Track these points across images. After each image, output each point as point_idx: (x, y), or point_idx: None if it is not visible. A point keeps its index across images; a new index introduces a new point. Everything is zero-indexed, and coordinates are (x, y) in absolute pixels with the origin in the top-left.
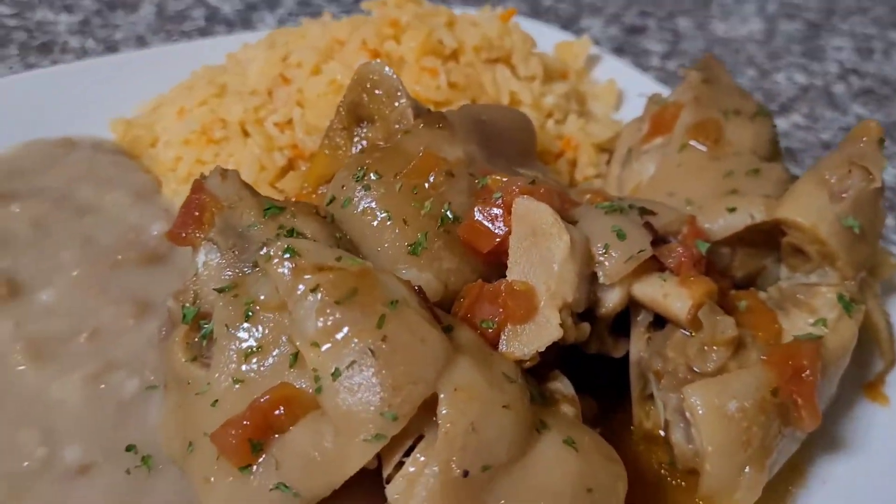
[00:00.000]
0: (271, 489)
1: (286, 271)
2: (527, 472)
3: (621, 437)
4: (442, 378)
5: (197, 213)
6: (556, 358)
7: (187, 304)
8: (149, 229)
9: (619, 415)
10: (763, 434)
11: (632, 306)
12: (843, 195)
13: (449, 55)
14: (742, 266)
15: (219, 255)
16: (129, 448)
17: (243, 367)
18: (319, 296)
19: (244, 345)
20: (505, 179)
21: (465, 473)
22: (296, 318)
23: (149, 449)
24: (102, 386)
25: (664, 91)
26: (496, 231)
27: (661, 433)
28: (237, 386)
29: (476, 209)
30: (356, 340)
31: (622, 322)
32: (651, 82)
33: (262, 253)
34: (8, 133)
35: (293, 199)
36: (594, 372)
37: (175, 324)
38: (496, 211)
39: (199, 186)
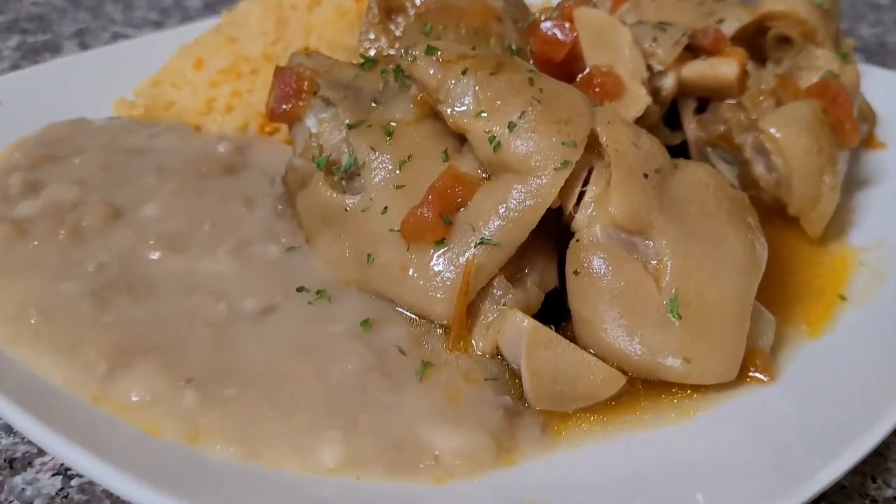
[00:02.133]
0: (476, 245)
1: (434, 67)
2: (685, 175)
3: None
4: (596, 115)
5: (295, 86)
6: None
7: (316, 156)
8: (215, 149)
9: None
10: (828, 141)
11: (678, 97)
12: None
13: None
14: None
15: (331, 110)
16: (299, 289)
17: (400, 174)
18: (472, 75)
19: (394, 158)
20: (550, 10)
21: (646, 175)
22: (453, 101)
23: (317, 286)
24: (246, 254)
25: None
26: (564, 38)
27: None
28: (400, 190)
29: (542, 25)
30: (518, 97)
31: (671, 120)
32: None
33: (406, 57)
34: (20, 124)
35: None
36: None
37: (303, 182)
38: (562, 23)
39: (285, 68)
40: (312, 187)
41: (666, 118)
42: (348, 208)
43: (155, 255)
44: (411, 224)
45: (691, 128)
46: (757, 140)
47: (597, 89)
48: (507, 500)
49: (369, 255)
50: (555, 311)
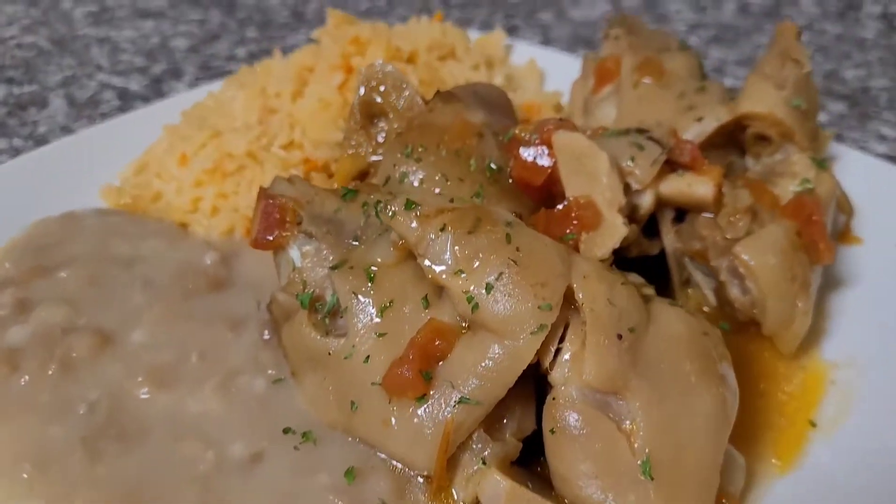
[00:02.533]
0: (455, 404)
1: (413, 221)
2: (659, 329)
3: None
4: (571, 271)
5: (278, 216)
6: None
7: (299, 293)
8: (201, 261)
9: None
10: (801, 268)
11: (657, 209)
12: (785, 84)
13: (408, 59)
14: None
15: (313, 243)
16: (286, 431)
17: (380, 321)
18: (451, 232)
19: (376, 303)
20: (531, 127)
21: (620, 337)
22: (432, 257)
23: (303, 427)
24: (233, 390)
25: (571, 59)
26: (544, 164)
27: (706, 309)
28: (382, 339)
29: (521, 150)
30: (495, 257)
31: (649, 228)
32: (559, 54)
33: (387, 212)
34: (9, 222)
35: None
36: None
37: (287, 315)
38: (538, 149)
39: (267, 195)
40: (297, 325)
41: (645, 227)
42: (331, 352)
43: (144, 394)
44: (392, 381)
45: (669, 238)
46: (732, 264)
47: (575, 221)
48: None
49: (353, 403)
50: (535, 445)
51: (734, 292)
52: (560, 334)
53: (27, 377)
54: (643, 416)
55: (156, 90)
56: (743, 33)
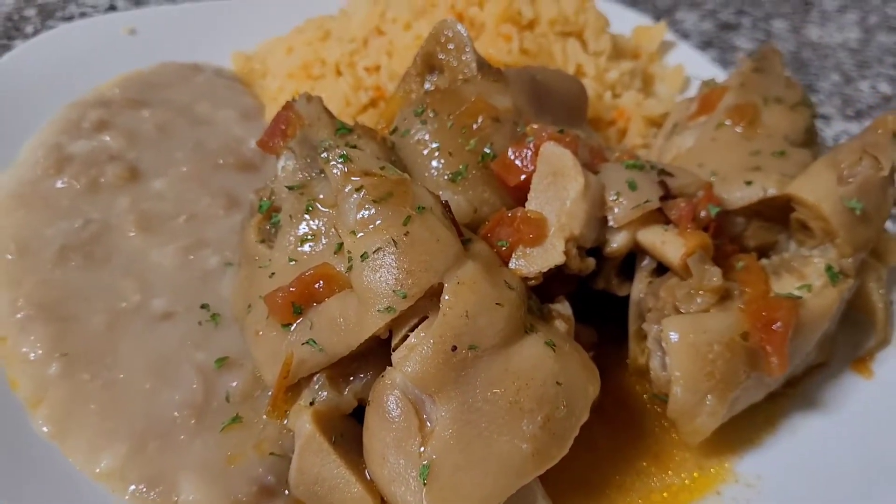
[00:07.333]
0: (303, 343)
1: (338, 172)
2: (507, 358)
3: (616, 369)
4: (449, 272)
5: (283, 127)
6: (567, 289)
7: (264, 198)
8: (248, 142)
9: (619, 351)
10: (728, 370)
11: (638, 252)
12: (851, 179)
13: (525, 25)
14: (754, 237)
15: (294, 161)
16: (203, 306)
17: (298, 249)
18: (362, 194)
19: (301, 231)
20: (537, 126)
21: (454, 348)
22: (341, 210)
23: (219, 309)
24: (191, 257)
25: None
26: (524, 168)
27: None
28: (291, 263)
29: (510, 149)
30: (384, 232)
31: (630, 269)
32: (719, 71)
33: (322, 156)
34: (147, 57)
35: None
36: (603, 312)
37: (252, 213)
38: (526, 151)
39: (289, 106)
40: (248, 226)
41: (625, 268)
42: (257, 258)
43: (130, 231)
44: (270, 300)
45: (639, 287)
46: (657, 334)
47: (514, 231)
48: None
49: (249, 306)
50: None
51: (654, 363)
52: (413, 324)
53: (64, 180)
54: (442, 427)
55: None
56: None
